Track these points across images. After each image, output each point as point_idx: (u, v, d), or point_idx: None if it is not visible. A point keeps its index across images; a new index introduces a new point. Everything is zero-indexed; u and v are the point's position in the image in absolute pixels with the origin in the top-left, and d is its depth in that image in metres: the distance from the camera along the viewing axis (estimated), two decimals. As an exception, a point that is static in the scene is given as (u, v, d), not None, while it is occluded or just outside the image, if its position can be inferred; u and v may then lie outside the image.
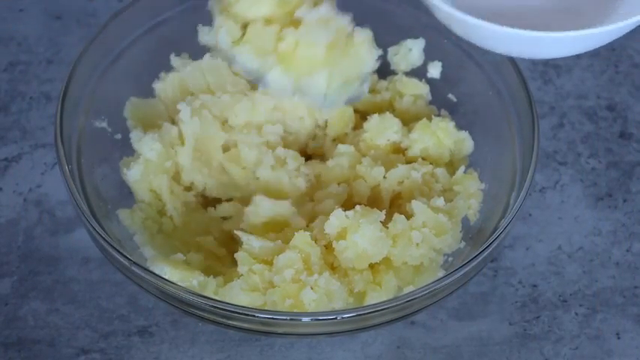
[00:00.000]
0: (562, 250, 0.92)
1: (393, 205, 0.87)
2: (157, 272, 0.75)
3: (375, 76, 0.95)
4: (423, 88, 0.94)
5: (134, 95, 0.90)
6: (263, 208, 0.84)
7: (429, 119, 0.89)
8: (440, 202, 0.83)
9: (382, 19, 0.94)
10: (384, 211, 0.81)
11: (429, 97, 0.94)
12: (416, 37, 0.94)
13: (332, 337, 0.84)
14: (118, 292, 0.87)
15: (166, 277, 0.76)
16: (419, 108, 0.93)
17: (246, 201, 0.87)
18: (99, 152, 0.86)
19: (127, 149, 0.87)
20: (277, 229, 0.84)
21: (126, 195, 0.86)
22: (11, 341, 0.84)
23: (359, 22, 0.94)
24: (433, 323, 0.87)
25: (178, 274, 0.78)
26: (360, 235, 0.78)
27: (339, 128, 0.92)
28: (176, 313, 0.84)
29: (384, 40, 0.94)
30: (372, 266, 0.80)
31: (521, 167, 0.82)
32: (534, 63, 1.07)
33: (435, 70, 0.94)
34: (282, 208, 0.85)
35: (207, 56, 0.91)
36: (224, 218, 0.88)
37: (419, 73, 0.94)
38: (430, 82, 0.94)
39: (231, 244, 0.85)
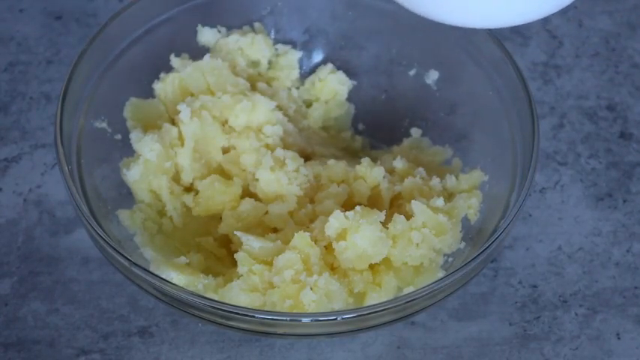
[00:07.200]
0: (562, 251, 0.92)
1: (393, 205, 0.87)
2: (162, 276, 0.75)
3: None
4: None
5: (134, 95, 0.90)
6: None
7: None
8: (440, 202, 0.83)
9: (382, 19, 0.94)
10: (384, 212, 0.81)
11: None
12: (416, 37, 0.93)
13: (332, 338, 0.84)
14: (118, 292, 0.87)
15: (173, 281, 0.76)
16: None
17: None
18: (99, 152, 0.86)
19: (126, 150, 0.87)
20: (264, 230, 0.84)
21: (126, 195, 0.86)
22: (11, 342, 0.84)
23: (360, 22, 0.94)
24: (433, 324, 0.87)
25: (185, 279, 0.78)
26: (360, 236, 0.78)
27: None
28: (176, 313, 0.84)
29: (385, 40, 0.94)
30: (371, 267, 0.80)
31: (522, 167, 0.82)
32: (534, 63, 1.07)
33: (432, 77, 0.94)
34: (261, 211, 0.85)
35: (207, 56, 0.91)
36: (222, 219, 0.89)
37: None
38: (430, 82, 0.94)
39: (231, 244, 0.85)
